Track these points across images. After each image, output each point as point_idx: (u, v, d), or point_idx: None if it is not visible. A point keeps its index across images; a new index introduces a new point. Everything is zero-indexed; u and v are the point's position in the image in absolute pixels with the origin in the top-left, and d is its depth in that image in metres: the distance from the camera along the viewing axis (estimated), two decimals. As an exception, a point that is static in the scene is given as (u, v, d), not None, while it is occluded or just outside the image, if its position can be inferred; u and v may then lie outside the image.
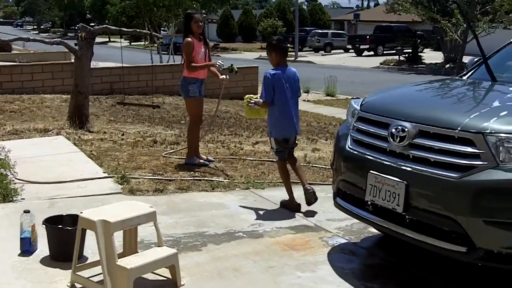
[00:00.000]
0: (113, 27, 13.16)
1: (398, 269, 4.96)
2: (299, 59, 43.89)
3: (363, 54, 47.20)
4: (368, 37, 47.66)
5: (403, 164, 4.18)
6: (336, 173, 5.01)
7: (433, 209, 3.97)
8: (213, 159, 8.54)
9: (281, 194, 7.06)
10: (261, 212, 6.37)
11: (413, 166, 4.10)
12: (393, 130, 4.27)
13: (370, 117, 4.65)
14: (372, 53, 46.65)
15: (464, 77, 5.65)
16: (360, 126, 4.73)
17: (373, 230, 5.63)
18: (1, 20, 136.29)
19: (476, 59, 5.75)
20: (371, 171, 4.39)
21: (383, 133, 4.41)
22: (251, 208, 6.50)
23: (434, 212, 3.97)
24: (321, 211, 6.38)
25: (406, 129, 4.19)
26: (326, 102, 19.82)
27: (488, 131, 3.83)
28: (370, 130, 4.58)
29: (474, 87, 5.24)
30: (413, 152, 4.14)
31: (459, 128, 3.93)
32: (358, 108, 4.89)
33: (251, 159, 8.86)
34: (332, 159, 5.31)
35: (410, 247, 4.68)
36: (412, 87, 5.36)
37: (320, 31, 55.69)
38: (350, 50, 49.96)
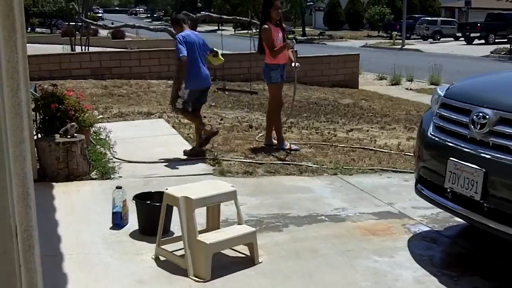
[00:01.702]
0: (214, 15, 13.53)
1: (479, 259, 4.90)
2: (406, 47, 43.11)
3: (473, 43, 45.71)
4: (479, 24, 46.04)
5: (482, 151, 4.14)
6: (418, 160, 5.01)
7: (511, 197, 3.92)
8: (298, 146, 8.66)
9: (368, 180, 7.12)
10: (346, 197, 6.42)
11: (493, 154, 4.05)
12: (474, 117, 4.23)
13: (452, 103, 4.62)
14: (483, 41, 45.05)
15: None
16: (442, 113, 4.70)
17: (459, 219, 5.58)
18: (117, 8, 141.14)
19: None
20: (451, 158, 4.36)
21: (464, 119, 4.37)
22: (336, 193, 6.56)
23: None
24: (407, 199, 6.34)
25: (487, 116, 4.14)
26: (430, 91, 19.36)
27: None
28: (452, 116, 4.54)
29: None
30: (493, 140, 4.09)
31: None
32: (442, 94, 4.86)
33: (343, 145, 8.90)
34: (415, 146, 5.30)
35: (495, 237, 4.61)
36: (501, 73, 5.26)
37: (429, 18, 54.32)
38: (460, 38, 48.49)
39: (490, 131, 4.12)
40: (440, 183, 4.53)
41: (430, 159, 4.75)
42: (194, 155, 7.81)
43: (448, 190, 4.42)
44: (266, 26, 8.17)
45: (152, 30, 12.71)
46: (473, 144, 4.24)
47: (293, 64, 8.45)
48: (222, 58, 8.43)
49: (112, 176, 6.74)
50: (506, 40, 40.76)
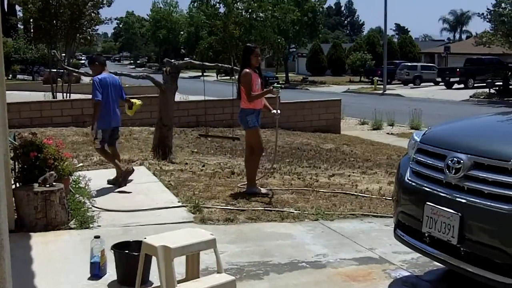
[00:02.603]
0: (197, 62, 13.61)
1: (460, 303, 4.90)
2: (387, 92, 43.59)
3: (453, 87, 46.30)
4: (458, 69, 46.78)
5: (458, 195, 4.19)
6: (396, 205, 5.03)
7: (487, 241, 3.96)
8: (270, 189, 8.71)
9: (350, 225, 7.12)
10: (327, 243, 6.41)
11: (468, 198, 4.10)
12: (449, 162, 4.29)
13: (428, 148, 4.68)
14: (462, 86, 45.71)
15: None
16: (419, 158, 4.76)
17: (438, 264, 5.58)
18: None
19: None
20: (427, 203, 4.40)
21: (440, 164, 4.43)
22: (318, 239, 6.55)
23: (487, 244, 3.95)
24: (388, 244, 6.35)
25: (461, 161, 4.20)
26: (410, 136, 19.55)
27: None
28: (428, 161, 4.60)
29: (538, 120, 5.17)
30: (468, 184, 4.14)
31: (511, 160, 3.91)
32: (418, 140, 4.92)
33: (324, 190, 8.92)
34: (393, 191, 5.33)
35: (474, 281, 4.61)
36: (475, 119, 5.35)
37: (409, 64, 55.13)
38: (440, 83, 49.11)
39: (464, 176, 4.17)
40: (418, 228, 4.55)
41: (408, 204, 4.77)
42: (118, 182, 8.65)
43: (426, 234, 4.44)
44: (247, 70, 8.26)
45: (134, 77, 12.74)
46: (448, 189, 4.29)
47: (274, 111, 8.51)
48: (138, 103, 9.49)
49: (91, 225, 6.69)
50: (485, 84, 41.41)
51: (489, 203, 3.93)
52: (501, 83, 38.72)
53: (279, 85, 8.76)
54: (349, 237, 6.64)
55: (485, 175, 4.04)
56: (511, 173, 3.90)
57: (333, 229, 6.96)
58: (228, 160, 12.01)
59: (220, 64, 14.57)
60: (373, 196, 8.70)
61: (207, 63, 13.41)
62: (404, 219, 4.83)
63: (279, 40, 29.06)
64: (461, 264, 4.16)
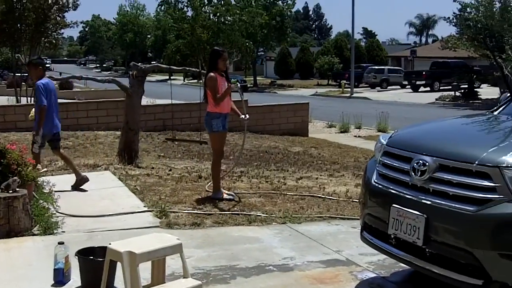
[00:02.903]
0: (164, 66, 13.54)
1: (426, 305, 4.92)
2: (354, 95, 43.91)
3: (419, 90, 46.82)
4: (424, 72, 47.34)
5: (423, 197, 4.20)
6: (363, 207, 5.03)
7: (451, 242, 3.99)
8: (234, 194, 8.62)
9: (317, 228, 7.13)
10: (294, 246, 6.39)
11: (433, 200, 4.12)
12: (415, 164, 4.31)
13: (394, 151, 4.69)
14: (428, 88, 46.23)
15: (495, 112, 5.62)
16: (385, 161, 4.77)
17: (405, 265, 5.59)
18: (66, 58, 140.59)
19: (508, 95, 5.72)
20: (394, 205, 4.41)
21: (406, 167, 4.44)
22: (285, 242, 6.53)
23: (452, 245, 3.98)
24: (355, 246, 6.36)
25: (427, 163, 4.23)
26: (377, 138, 19.68)
27: (504, 165, 3.84)
28: (394, 164, 4.62)
29: (499, 122, 5.24)
30: (433, 186, 4.16)
31: (476, 162, 3.95)
32: (385, 143, 4.93)
33: (292, 194, 8.91)
34: (360, 193, 5.33)
35: (439, 282, 4.63)
36: (441, 122, 5.38)
37: (376, 67, 55.69)
38: (407, 86, 49.58)
39: (430, 178, 4.19)
40: (384, 230, 4.56)
41: (374, 206, 4.78)
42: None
43: (392, 236, 4.45)
44: (212, 74, 8.21)
45: (100, 81, 12.61)
46: (414, 191, 4.30)
47: (242, 116, 8.48)
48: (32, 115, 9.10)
49: (55, 231, 6.57)
50: (450, 87, 41.95)
51: (454, 205, 3.95)
52: (466, 86, 39.31)
53: (235, 79, 8.68)
54: (317, 240, 6.64)
55: (450, 177, 4.06)
56: (475, 175, 3.93)
57: (300, 232, 6.95)
58: (195, 164, 11.94)
59: (187, 68, 14.47)
60: (340, 199, 8.72)
61: (174, 67, 13.31)
62: (371, 221, 4.84)
63: (247, 43, 29.02)
64: (427, 265, 4.18)
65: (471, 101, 36.61)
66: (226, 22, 28.12)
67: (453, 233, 3.97)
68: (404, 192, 4.37)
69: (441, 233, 4.06)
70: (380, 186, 4.69)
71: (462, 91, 39.04)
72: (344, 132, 21.32)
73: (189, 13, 29.18)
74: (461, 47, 34.17)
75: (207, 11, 29.55)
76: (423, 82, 46.90)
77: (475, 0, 33.46)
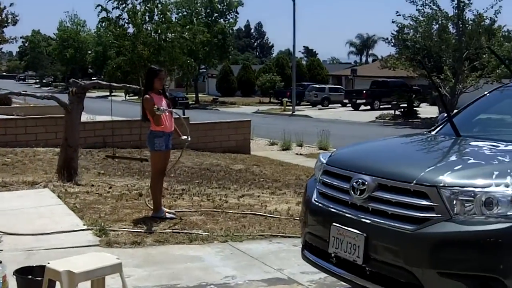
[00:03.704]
0: (104, 82, 13.40)
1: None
2: (296, 113, 44.28)
3: (359, 109, 47.59)
4: (364, 91, 48.16)
5: (363, 216, 4.25)
6: (304, 226, 5.06)
7: (391, 261, 4.04)
8: (174, 213, 8.56)
9: (258, 246, 7.14)
10: (236, 265, 6.39)
11: (372, 219, 4.17)
12: (354, 183, 4.36)
13: (334, 170, 4.74)
14: (368, 107, 47.03)
15: (433, 132, 5.75)
16: (325, 179, 4.81)
17: (346, 284, 5.64)
18: (4, 74, 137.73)
19: (445, 115, 5.86)
20: (334, 223, 4.45)
21: (345, 186, 4.49)
22: (227, 261, 6.52)
23: (392, 264, 4.03)
24: (296, 264, 6.39)
25: (366, 182, 4.28)
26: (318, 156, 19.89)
27: (441, 185, 3.91)
28: (334, 183, 4.66)
29: (437, 142, 5.36)
30: (372, 205, 4.22)
31: (414, 182, 4.02)
32: (324, 162, 4.98)
33: (233, 211, 8.91)
34: (300, 212, 5.37)
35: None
36: (379, 141, 5.47)
37: (317, 85, 56.30)
38: (348, 105, 50.35)
39: (369, 197, 4.25)
40: (325, 248, 4.59)
41: (315, 225, 4.81)
42: None
43: (333, 255, 4.49)
44: (148, 96, 8.15)
45: (39, 97, 12.40)
46: (354, 210, 4.35)
47: (184, 137, 8.45)
48: None
49: (-8, 250, 6.44)
50: (390, 106, 42.74)
51: (393, 224, 4.01)
52: (405, 105, 40.07)
53: (157, 108, 8.04)
54: (258, 258, 6.65)
55: (388, 196, 4.12)
56: (413, 194, 4.00)
57: (242, 250, 6.95)
58: (136, 181, 11.83)
59: (127, 85, 14.39)
60: (282, 217, 8.76)
61: (114, 84, 13.22)
62: (311, 239, 4.87)
63: (188, 61, 28.97)
64: (367, 283, 4.22)
65: (410, 120, 37.35)
66: (168, 39, 28.04)
67: (393, 252, 4.03)
68: (344, 210, 4.42)
69: (381, 251, 4.11)
70: (320, 204, 4.73)
71: (402, 110, 39.79)
72: (286, 149, 21.47)
73: (130, 30, 29.08)
74: (399, 67, 34.90)
75: (148, 28, 29.43)
76: (364, 101, 47.68)
77: (413, 21, 34.25)
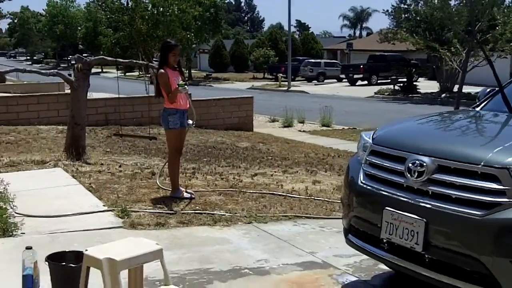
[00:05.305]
0: (109, 58, 13.11)
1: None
2: (292, 88, 43.98)
3: (356, 84, 47.27)
4: (361, 66, 47.56)
5: (421, 200, 4.02)
6: (347, 209, 4.85)
7: (455, 248, 3.81)
8: (193, 192, 8.35)
9: (284, 228, 6.96)
10: (265, 248, 6.19)
11: (433, 203, 3.94)
12: (410, 165, 4.13)
13: (384, 150, 4.50)
14: (366, 82, 46.66)
15: (477, 108, 5.52)
16: (373, 160, 4.57)
17: (383, 267, 5.46)
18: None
19: (488, 90, 5.63)
20: (386, 208, 4.23)
21: (399, 167, 4.25)
22: (255, 243, 6.33)
23: (456, 251, 3.81)
24: (327, 247, 6.23)
25: (424, 164, 4.05)
26: (322, 133, 19.73)
27: None
28: (385, 164, 4.42)
29: (492, 119, 5.11)
30: (433, 188, 3.98)
31: (482, 163, 3.78)
32: (370, 141, 4.75)
33: (251, 191, 8.70)
34: (342, 194, 5.15)
35: (424, 285, 4.51)
36: (426, 119, 5.18)
37: (313, 60, 55.79)
38: (344, 80, 49.97)
39: (428, 179, 4.02)
40: (374, 233, 4.38)
41: (363, 209, 4.59)
42: None
43: (385, 241, 4.28)
44: (163, 70, 7.91)
45: (44, 74, 12.12)
46: (410, 193, 4.12)
47: (189, 121, 8.19)
48: None
49: (14, 233, 6.21)
50: (388, 81, 42.38)
51: (457, 208, 3.79)
52: (405, 80, 39.69)
53: (184, 83, 8.02)
54: (287, 241, 6.46)
55: (452, 179, 3.89)
56: (481, 176, 3.77)
57: (268, 232, 6.76)
58: (144, 160, 11.60)
59: (134, 61, 14.06)
60: (302, 197, 8.56)
61: (120, 60, 12.90)
62: (358, 224, 4.65)
63: (188, 35, 28.58)
64: (426, 271, 4.00)
65: (410, 95, 36.98)
66: (166, 13, 27.59)
67: (458, 239, 3.80)
68: (398, 194, 4.19)
69: (443, 238, 3.89)
70: (368, 187, 4.50)
71: (401, 85, 39.30)
72: (288, 126, 21.26)
73: (126, 4, 28.61)
74: (401, 40, 34.24)
75: (146, 1, 29.01)
76: (361, 75, 47.16)
77: None
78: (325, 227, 7.01)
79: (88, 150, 11.51)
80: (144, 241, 4.56)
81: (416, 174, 4.08)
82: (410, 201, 4.10)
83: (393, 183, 4.29)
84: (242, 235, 6.63)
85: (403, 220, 4.09)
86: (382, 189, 4.36)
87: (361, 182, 4.61)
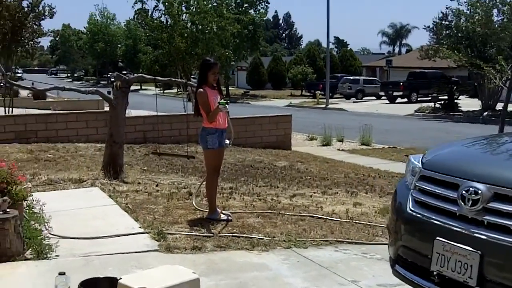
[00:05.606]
0: (148, 76, 13.00)
1: None
2: (330, 106, 43.70)
3: (396, 101, 46.73)
4: (401, 83, 46.94)
5: (476, 231, 3.75)
6: (395, 237, 4.58)
7: (513, 283, 3.54)
8: (230, 214, 8.13)
9: (325, 254, 6.71)
10: (305, 275, 5.94)
11: (489, 234, 3.67)
12: (464, 192, 3.86)
13: (435, 176, 4.24)
14: (405, 100, 46.09)
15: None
16: (423, 186, 4.31)
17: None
18: (37, 68, 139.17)
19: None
20: (438, 238, 3.97)
21: (451, 195, 3.99)
22: (295, 270, 6.09)
23: (515, 287, 3.54)
24: (370, 275, 5.96)
25: (479, 191, 3.78)
26: (362, 152, 19.40)
27: None
28: (436, 191, 4.15)
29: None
30: (488, 218, 3.71)
31: None
32: (420, 165, 4.50)
33: (290, 213, 8.46)
34: (389, 221, 4.89)
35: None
36: (482, 141, 4.89)
37: (351, 77, 55.38)
38: (383, 97, 49.44)
39: (484, 208, 3.75)
40: (424, 265, 4.12)
41: (411, 238, 4.33)
42: None
43: (435, 273, 4.01)
44: (202, 90, 7.76)
45: (83, 92, 12.09)
46: (464, 223, 3.86)
47: (226, 141, 8.01)
48: None
49: (49, 255, 6.08)
50: (429, 98, 41.74)
51: (517, 241, 3.52)
52: (446, 97, 39.05)
53: (224, 101, 7.81)
54: (328, 268, 6.20)
55: (510, 209, 3.62)
56: (544, 207, 3.50)
57: (309, 258, 6.50)
58: (182, 179, 11.47)
59: (173, 79, 14.00)
60: (342, 220, 8.29)
61: (159, 77, 12.84)
62: (406, 254, 4.38)
63: (227, 53, 28.53)
64: (481, 307, 3.74)
65: (451, 113, 36.32)
66: (205, 31, 27.63)
67: (518, 274, 3.54)
68: (451, 223, 3.92)
69: (500, 273, 3.61)
70: (418, 215, 4.24)
71: (442, 102, 38.65)
72: (326, 145, 20.99)
73: (165, 22, 28.75)
74: (443, 57, 33.68)
75: (185, 19, 29.11)
76: (401, 93, 46.62)
77: (470, 7, 32.85)
78: (367, 254, 6.74)
79: (125, 169, 11.43)
80: (180, 269, 4.39)
81: (471, 202, 3.81)
82: (463, 231, 3.83)
83: (445, 211, 4.03)
84: (281, 261, 6.40)
85: (456, 251, 3.83)
86: (433, 217, 4.09)
87: (410, 209, 4.35)
